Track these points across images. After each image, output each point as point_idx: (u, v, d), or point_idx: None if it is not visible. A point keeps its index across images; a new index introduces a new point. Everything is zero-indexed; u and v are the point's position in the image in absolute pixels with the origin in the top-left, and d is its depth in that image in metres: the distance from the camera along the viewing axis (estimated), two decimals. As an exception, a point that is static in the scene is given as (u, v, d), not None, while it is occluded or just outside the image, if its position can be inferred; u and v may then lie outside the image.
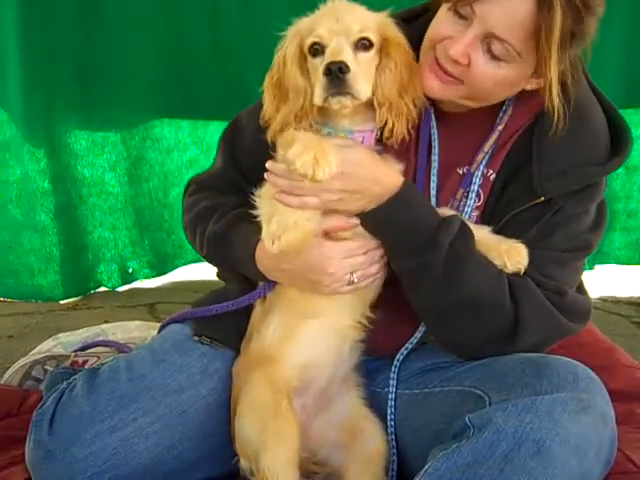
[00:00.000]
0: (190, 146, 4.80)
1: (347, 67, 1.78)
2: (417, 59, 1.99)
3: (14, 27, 4.22)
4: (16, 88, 4.29)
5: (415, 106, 1.94)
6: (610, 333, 3.16)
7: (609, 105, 2.07)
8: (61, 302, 4.48)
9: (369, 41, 1.86)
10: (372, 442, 2.05)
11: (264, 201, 1.95)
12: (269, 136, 1.96)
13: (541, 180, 1.96)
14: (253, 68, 4.22)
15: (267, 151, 1.97)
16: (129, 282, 4.79)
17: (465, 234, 1.91)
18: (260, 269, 2.01)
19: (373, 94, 1.89)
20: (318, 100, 1.84)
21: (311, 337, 2.01)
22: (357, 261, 1.96)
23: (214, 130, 4.71)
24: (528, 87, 1.98)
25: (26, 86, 4.28)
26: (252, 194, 1.99)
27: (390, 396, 2.09)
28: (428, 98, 2.00)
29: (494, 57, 1.87)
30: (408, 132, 1.94)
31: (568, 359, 1.85)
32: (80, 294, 4.60)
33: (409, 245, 1.90)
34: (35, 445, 1.98)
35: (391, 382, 2.10)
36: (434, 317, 2.00)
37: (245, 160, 2.19)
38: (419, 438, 1.99)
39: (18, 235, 4.46)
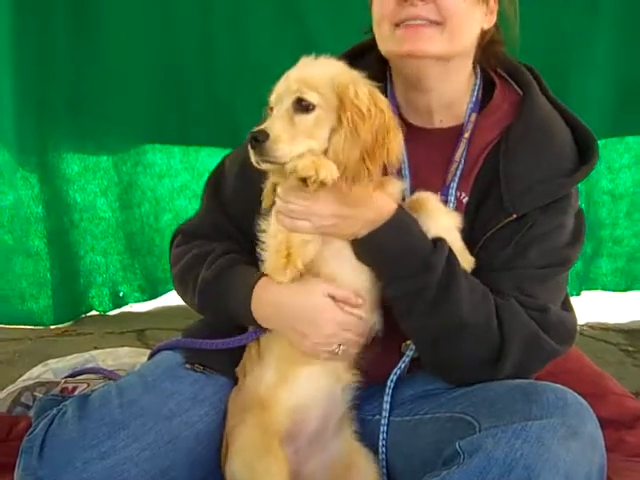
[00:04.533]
0: (181, 172, 4.80)
1: (264, 135, 1.80)
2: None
3: (8, 53, 4.22)
4: (9, 114, 4.28)
5: (383, 168, 1.91)
6: (598, 360, 3.15)
7: (571, 116, 2.10)
8: (51, 328, 4.44)
9: (307, 102, 1.85)
10: (366, 478, 2.03)
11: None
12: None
13: (511, 197, 1.97)
14: (244, 95, 4.29)
15: (251, 192, 2.02)
16: (120, 306, 4.76)
17: (453, 256, 1.92)
18: (255, 314, 2.00)
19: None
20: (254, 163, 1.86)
21: (304, 382, 2.00)
22: (351, 337, 1.98)
23: (205, 156, 4.73)
24: (485, 26, 2.05)
25: (19, 112, 4.28)
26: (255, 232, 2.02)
27: (383, 421, 2.07)
28: (397, 109, 2.08)
29: None
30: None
31: (557, 385, 1.84)
32: (72, 319, 4.57)
33: (403, 270, 1.91)
34: (24, 472, 1.94)
35: (385, 406, 2.07)
36: (426, 341, 1.99)
37: (230, 204, 2.20)
38: (410, 465, 1.97)
39: (9, 261, 4.44)
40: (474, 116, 2.10)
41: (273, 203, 1.97)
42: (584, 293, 4.89)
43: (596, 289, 4.94)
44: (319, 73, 1.89)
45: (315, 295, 1.96)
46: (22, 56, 4.22)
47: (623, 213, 4.82)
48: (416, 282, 1.89)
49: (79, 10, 4.33)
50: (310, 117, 1.85)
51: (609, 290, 4.96)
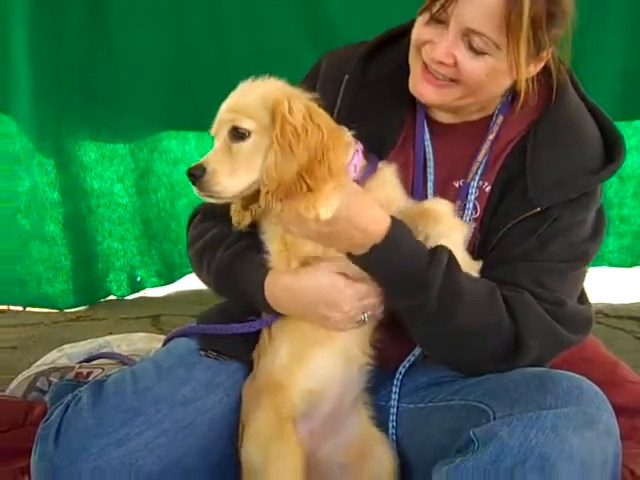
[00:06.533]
0: (196, 157, 4.66)
1: (200, 170, 1.75)
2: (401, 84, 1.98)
3: (25, 42, 4.22)
4: (27, 100, 4.28)
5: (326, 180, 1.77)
6: (614, 348, 3.08)
7: (601, 114, 2.03)
8: (66, 313, 4.44)
9: (242, 130, 1.77)
10: (381, 463, 1.98)
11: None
12: None
13: (536, 190, 1.92)
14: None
15: None
16: (137, 291, 4.78)
17: (453, 267, 1.84)
18: (269, 301, 1.94)
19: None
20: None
21: (319, 363, 1.94)
22: (370, 302, 1.93)
23: (220, 141, 4.68)
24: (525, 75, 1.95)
25: (36, 99, 4.28)
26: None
27: (392, 410, 2.03)
28: (423, 106, 2.02)
29: (477, 52, 1.85)
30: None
31: (572, 374, 1.80)
32: (90, 302, 4.58)
33: (399, 287, 1.85)
34: (41, 458, 1.90)
35: (393, 396, 2.04)
36: (434, 348, 1.96)
37: None
38: (423, 451, 1.94)
39: (26, 245, 4.45)
40: (501, 118, 2.04)
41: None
42: (590, 269, 4.83)
43: (602, 265, 4.93)
44: (253, 96, 1.81)
45: (325, 277, 1.90)
46: (39, 44, 4.23)
47: (630, 193, 4.85)
48: (414, 299, 1.84)
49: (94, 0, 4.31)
50: (247, 144, 1.77)
51: (615, 266, 4.98)
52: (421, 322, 1.88)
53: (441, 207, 1.92)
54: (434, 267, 1.81)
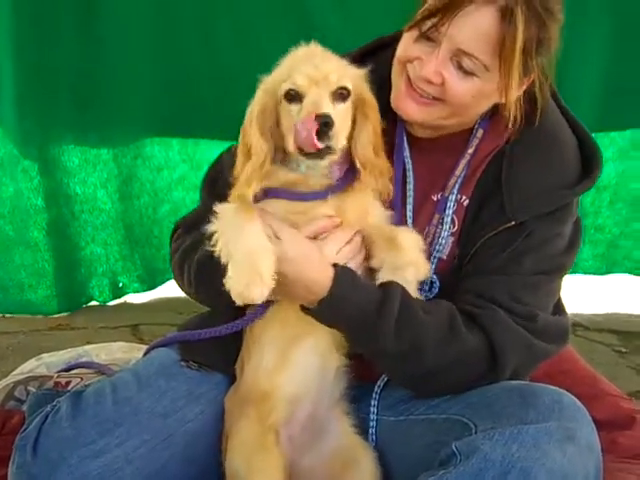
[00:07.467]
0: (180, 164, 4.70)
1: (332, 121, 1.68)
2: (383, 97, 1.96)
3: (9, 46, 4.13)
4: (10, 106, 4.20)
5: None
6: (592, 362, 3.09)
7: (580, 128, 2.02)
8: (45, 321, 4.34)
9: (347, 90, 1.78)
10: (365, 473, 1.95)
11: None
12: (230, 197, 1.87)
13: (511, 204, 1.91)
14: (243, 87, 4.14)
15: None
16: (120, 296, 4.69)
17: (407, 303, 1.81)
18: None
19: (349, 147, 1.82)
20: (293, 148, 1.75)
21: (296, 364, 1.90)
22: (346, 251, 1.87)
23: (204, 148, 4.63)
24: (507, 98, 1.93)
25: (20, 105, 4.19)
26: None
27: (371, 423, 2.01)
28: (402, 121, 1.99)
29: (466, 72, 1.84)
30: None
31: (553, 387, 1.78)
32: (73, 309, 4.50)
33: (357, 334, 1.84)
34: (18, 469, 1.86)
35: (372, 409, 2.02)
36: (410, 385, 1.94)
37: (226, 198, 2.08)
38: (405, 464, 1.92)
39: (9, 251, 4.36)
40: (481, 132, 2.02)
41: None
42: (566, 278, 4.84)
43: (577, 273, 4.89)
44: (343, 63, 1.83)
45: (300, 244, 1.82)
46: (24, 49, 4.13)
47: (606, 202, 4.82)
48: (375, 344, 1.82)
49: (81, 5, 4.22)
50: (346, 106, 1.79)
51: (590, 274, 4.95)
52: (389, 363, 1.88)
53: (408, 240, 1.89)
54: (385, 314, 1.79)
